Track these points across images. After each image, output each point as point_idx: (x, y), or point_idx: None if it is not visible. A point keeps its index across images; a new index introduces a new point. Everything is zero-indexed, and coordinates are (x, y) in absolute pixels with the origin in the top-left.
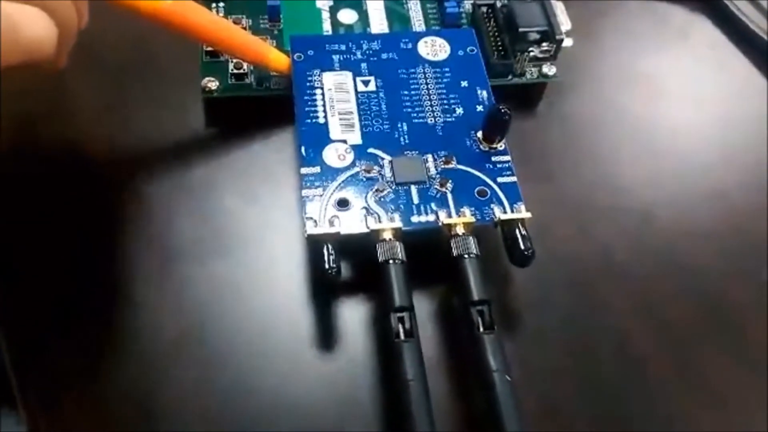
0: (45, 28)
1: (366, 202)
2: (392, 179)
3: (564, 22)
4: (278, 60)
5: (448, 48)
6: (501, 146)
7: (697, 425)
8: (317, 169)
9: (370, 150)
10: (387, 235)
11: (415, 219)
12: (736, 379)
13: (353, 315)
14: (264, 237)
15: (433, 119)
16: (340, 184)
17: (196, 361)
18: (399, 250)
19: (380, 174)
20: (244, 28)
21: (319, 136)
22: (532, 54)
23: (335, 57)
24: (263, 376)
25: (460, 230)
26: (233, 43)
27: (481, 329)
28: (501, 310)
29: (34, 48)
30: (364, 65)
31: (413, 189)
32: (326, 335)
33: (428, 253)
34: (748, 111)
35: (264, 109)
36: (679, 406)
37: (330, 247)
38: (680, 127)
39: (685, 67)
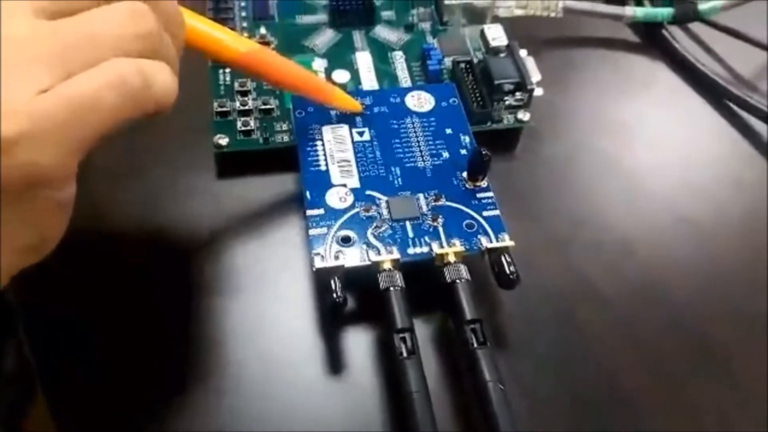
0: (171, 80)
1: (366, 237)
2: (389, 217)
3: (534, 74)
4: (343, 99)
5: (432, 100)
6: (484, 184)
7: None
8: (321, 211)
9: (368, 192)
10: (387, 266)
11: (411, 251)
12: (712, 396)
13: (359, 340)
14: (274, 273)
15: (422, 163)
16: (342, 223)
17: (207, 394)
18: (398, 277)
19: (378, 213)
20: (249, 91)
21: (322, 182)
22: (507, 102)
23: (332, 112)
24: (277, 400)
25: (451, 258)
26: (306, 87)
27: (475, 345)
28: (490, 330)
29: (164, 100)
30: (358, 118)
31: (408, 225)
32: (335, 359)
33: (424, 281)
34: (708, 147)
35: (270, 160)
36: (656, 420)
37: (337, 278)
38: (649, 164)
39: (646, 108)
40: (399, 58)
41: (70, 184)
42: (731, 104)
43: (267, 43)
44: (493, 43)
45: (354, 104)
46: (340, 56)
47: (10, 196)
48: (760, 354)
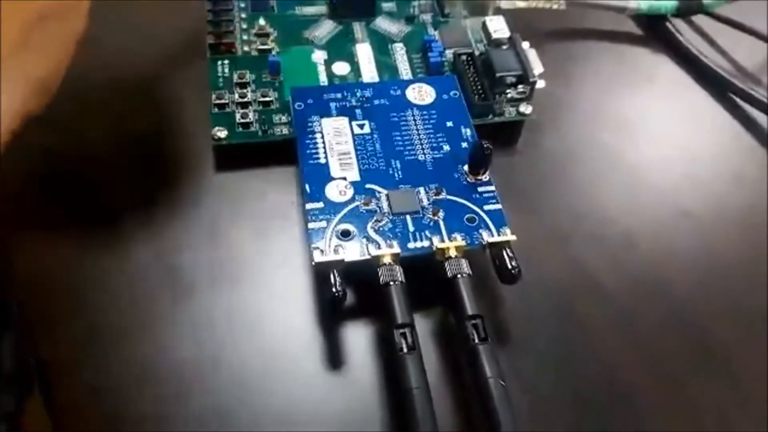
0: None
1: (366, 231)
2: (389, 211)
3: (537, 66)
4: None
5: (433, 93)
6: (485, 177)
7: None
8: (321, 205)
9: (368, 185)
10: (387, 260)
11: (411, 245)
12: (714, 393)
13: (359, 335)
14: (272, 267)
15: (423, 156)
16: (342, 216)
17: (211, 387)
18: (398, 272)
19: (378, 206)
20: (248, 83)
21: (321, 175)
22: (509, 95)
23: (332, 104)
24: (276, 397)
25: (452, 253)
26: None
27: (476, 341)
28: (491, 326)
29: None
30: (358, 111)
31: (408, 219)
32: (334, 354)
33: (424, 275)
34: (711, 141)
35: (269, 153)
36: (656, 417)
37: (336, 273)
38: (651, 158)
39: (650, 102)
40: (400, 50)
41: (81, 17)
42: (735, 97)
43: (266, 35)
44: (495, 35)
45: None
46: (340, 48)
47: (25, 25)
48: (761, 352)
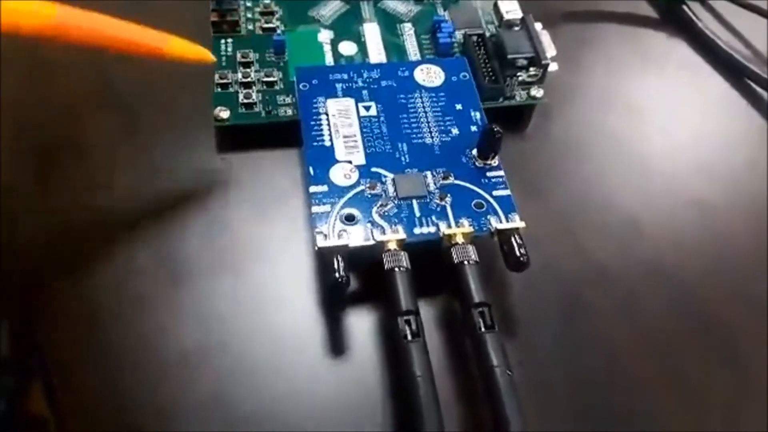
0: None
1: (371, 216)
2: (395, 195)
3: (549, 49)
4: (181, 48)
5: (442, 75)
6: (495, 162)
7: (682, 420)
8: (325, 188)
9: (374, 169)
10: (392, 246)
11: (417, 231)
12: (719, 381)
13: (362, 321)
14: (274, 252)
15: (431, 139)
16: (346, 200)
17: (212, 374)
18: (404, 258)
19: (383, 191)
20: (251, 62)
21: (326, 158)
22: (520, 78)
23: (338, 85)
24: (279, 383)
25: (459, 239)
26: (124, 42)
27: (483, 329)
28: (498, 314)
29: None
30: (365, 92)
31: (415, 203)
32: (337, 340)
33: (430, 262)
34: (724, 128)
35: (272, 134)
36: (666, 408)
37: (340, 258)
38: (662, 146)
39: (664, 87)
40: (408, 30)
41: None
42: (752, 83)
43: (271, 14)
44: (506, 16)
45: (198, 51)
46: (346, 28)
47: None
48: None
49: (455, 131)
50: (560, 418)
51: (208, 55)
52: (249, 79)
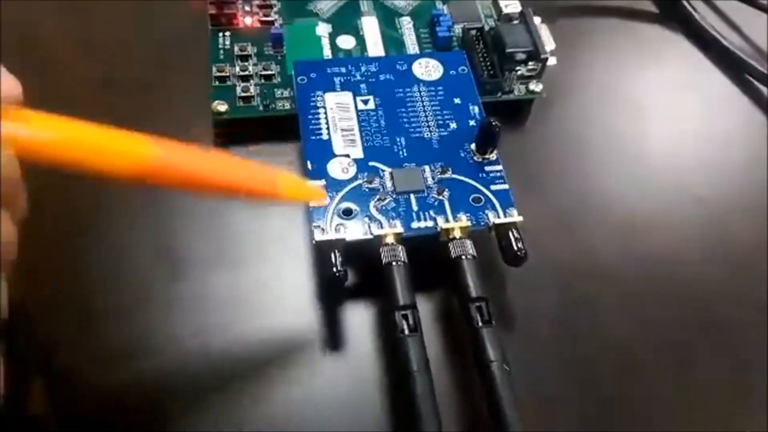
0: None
1: (369, 210)
2: (393, 189)
3: (548, 43)
4: (295, 188)
5: (441, 69)
6: (493, 156)
7: (680, 414)
8: (323, 182)
9: (372, 163)
10: (389, 240)
11: (414, 225)
12: (719, 375)
13: (360, 316)
14: (273, 246)
15: (429, 133)
16: (344, 194)
17: (210, 369)
18: (401, 252)
19: (381, 185)
20: (249, 56)
21: (324, 152)
22: (519, 72)
23: (336, 79)
24: (275, 377)
25: (457, 234)
26: (236, 185)
27: (480, 324)
28: (496, 308)
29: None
30: (363, 86)
31: (412, 198)
32: (334, 335)
33: (428, 256)
34: (723, 124)
35: (270, 128)
36: (666, 402)
37: (337, 252)
38: (661, 141)
39: (662, 82)
40: (407, 24)
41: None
42: (752, 79)
43: (269, 7)
44: (505, 10)
45: (311, 190)
46: (345, 21)
47: None
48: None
49: (453, 125)
50: (558, 413)
51: (320, 194)
52: (247, 73)
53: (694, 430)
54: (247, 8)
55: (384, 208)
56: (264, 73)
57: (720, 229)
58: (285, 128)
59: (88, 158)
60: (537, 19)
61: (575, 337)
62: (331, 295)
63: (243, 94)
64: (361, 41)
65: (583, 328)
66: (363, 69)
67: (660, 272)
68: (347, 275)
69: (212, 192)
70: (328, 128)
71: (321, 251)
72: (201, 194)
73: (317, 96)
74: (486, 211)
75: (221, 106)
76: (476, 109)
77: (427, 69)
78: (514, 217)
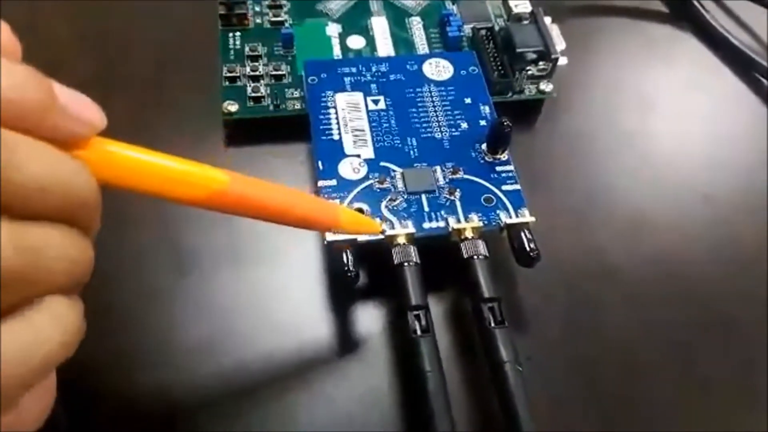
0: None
1: (380, 210)
2: (404, 189)
3: (559, 43)
4: (354, 221)
5: (451, 69)
6: (504, 157)
7: (686, 414)
8: (333, 182)
9: (383, 163)
10: (401, 240)
11: (426, 225)
12: (726, 373)
13: (372, 316)
14: (285, 246)
15: (440, 134)
16: (355, 195)
17: (220, 367)
18: (413, 253)
19: (392, 185)
20: (260, 56)
21: (335, 152)
22: (530, 72)
23: (347, 79)
24: (286, 377)
25: (469, 234)
26: (300, 215)
27: (493, 324)
28: (508, 309)
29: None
30: (373, 86)
31: (424, 198)
32: (347, 335)
33: (440, 256)
34: (733, 123)
35: (281, 128)
36: (673, 400)
37: (349, 253)
38: (671, 140)
39: (672, 82)
40: (417, 24)
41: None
42: (761, 78)
43: (279, 7)
44: (516, 10)
45: (370, 224)
46: (355, 21)
47: None
48: None
49: (464, 125)
50: (567, 412)
51: (377, 228)
52: (257, 73)
53: (699, 429)
54: (258, 8)
55: (395, 208)
56: (274, 73)
57: (727, 229)
58: (295, 128)
59: (160, 187)
60: (547, 19)
61: (583, 337)
62: (343, 295)
63: (253, 94)
64: (371, 41)
65: (591, 328)
66: (373, 69)
67: (667, 272)
68: (359, 276)
69: (276, 220)
70: (338, 128)
71: (332, 252)
72: (264, 220)
73: (328, 96)
74: (498, 212)
75: (232, 106)
76: (487, 109)
77: (438, 69)
78: (526, 217)
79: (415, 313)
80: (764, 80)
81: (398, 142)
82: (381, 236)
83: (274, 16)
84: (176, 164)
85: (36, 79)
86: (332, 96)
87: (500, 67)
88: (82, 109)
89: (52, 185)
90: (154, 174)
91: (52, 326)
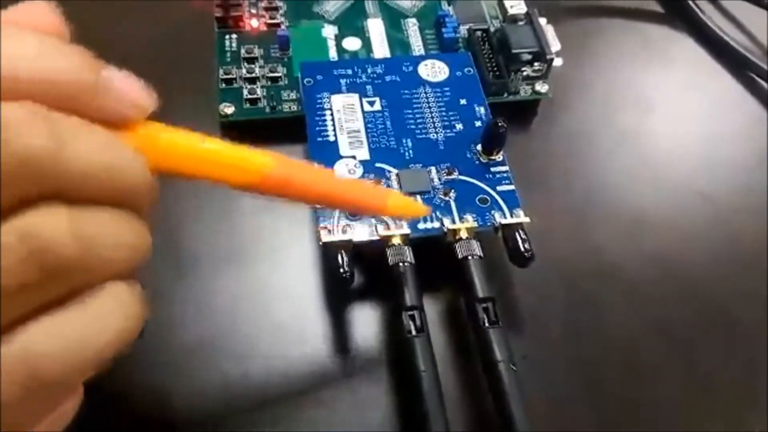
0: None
1: None
2: (399, 190)
3: (554, 43)
4: (402, 205)
5: (447, 70)
6: (499, 157)
7: (687, 413)
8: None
9: (378, 164)
10: (396, 241)
11: (421, 226)
12: (726, 371)
13: (367, 316)
14: (280, 247)
15: (435, 135)
16: None
17: (219, 367)
18: (408, 253)
19: (388, 186)
20: (256, 58)
21: (330, 153)
22: (525, 73)
23: (342, 81)
24: (281, 377)
25: (463, 234)
26: (349, 198)
27: (487, 324)
28: (502, 309)
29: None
30: (369, 87)
31: (419, 199)
32: (342, 335)
33: (434, 257)
34: (729, 122)
35: (277, 130)
36: (673, 400)
37: (344, 253)
38: (667, 140)
39: (668, 81)
40: (412, 26)
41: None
42: (757, 78)
43: (275, 9)
44: (511, 11)
45: (418, 207)
46: (351, 23)
47: None
48: None
49: (460, 126)
50: (565, 412)
51: (425, 211)
52: (253, 75)
53: (701, 429)
54: (254, 10)
55: None
56: (270, 75)
57: (727, 228)
58: (291, 130)
59: (209, 171)
60: (542, 20)
61: (582, 337)
62: (338, 295)
63: (250, 96)
64: (366, 43)
65: (590, 328)
66: (369, 70)
67: (667, 271)
68: (354, 277)
69: (324, 204)
70: (334, 130)
71: (328, 252)
72: (311, 203)
73: (324, 97)
74: (492, 212)
75: (228, 108)
76: (482, 110)
77: (433, 70)
78: (521, 217)
79: (410, 313)
80: (759, 80)
81: (394, 143)
82: (377, 237)
83: (270, 18)
84: (222, 147)
85: (87, 60)
86: (328, 97)
87: (495, 68)
88: (130, 90)
89: (106, 170)
90: (206, 159)
91: (113, 313)
